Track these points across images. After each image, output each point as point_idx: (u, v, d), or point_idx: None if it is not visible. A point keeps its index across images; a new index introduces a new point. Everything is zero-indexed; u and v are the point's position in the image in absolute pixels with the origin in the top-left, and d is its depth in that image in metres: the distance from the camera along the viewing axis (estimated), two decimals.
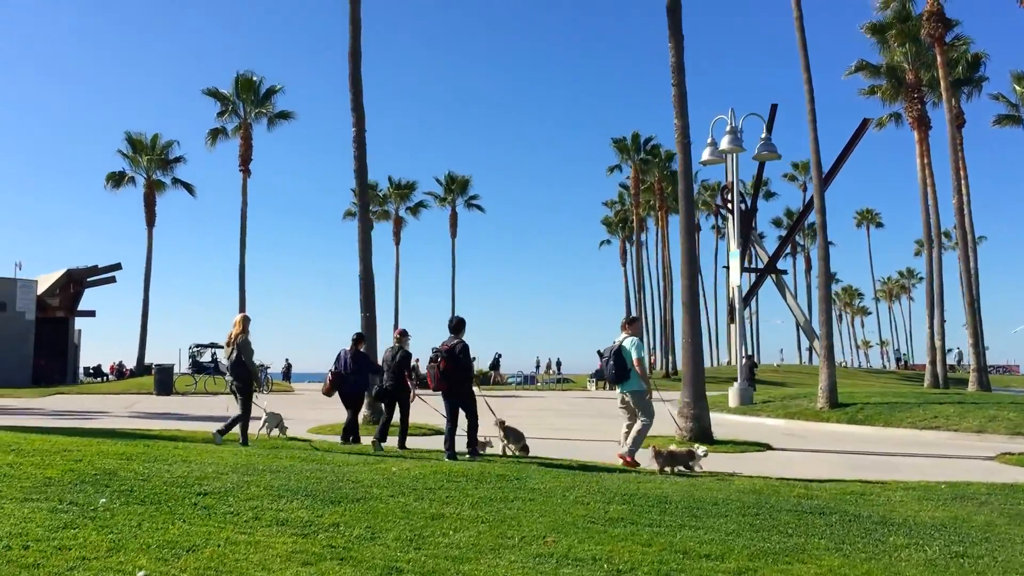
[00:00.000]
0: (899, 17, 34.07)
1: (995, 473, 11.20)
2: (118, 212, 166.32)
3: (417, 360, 27.99)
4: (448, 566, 4.93)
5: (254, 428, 11.91)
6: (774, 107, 26.15)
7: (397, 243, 62.41)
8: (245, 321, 11.48)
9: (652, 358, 60.95)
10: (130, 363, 48.82)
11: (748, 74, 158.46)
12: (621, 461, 10.89)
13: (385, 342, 16.08)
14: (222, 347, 13.14)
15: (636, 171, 58.22)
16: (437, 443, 12.49)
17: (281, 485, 7.24)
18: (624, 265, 65.48)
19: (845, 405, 19.61)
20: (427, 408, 13.13)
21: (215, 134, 45.03)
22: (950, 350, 68.40)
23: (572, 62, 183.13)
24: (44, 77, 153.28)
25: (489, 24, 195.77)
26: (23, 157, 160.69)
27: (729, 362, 56.33)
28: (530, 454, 11.50)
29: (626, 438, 11.07)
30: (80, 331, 43.00)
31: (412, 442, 12.69)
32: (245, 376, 11.30)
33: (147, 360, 46.15)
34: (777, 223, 77.82)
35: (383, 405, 12.65)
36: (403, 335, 12.78)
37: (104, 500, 6.09)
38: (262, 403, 12.60)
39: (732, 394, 23.45)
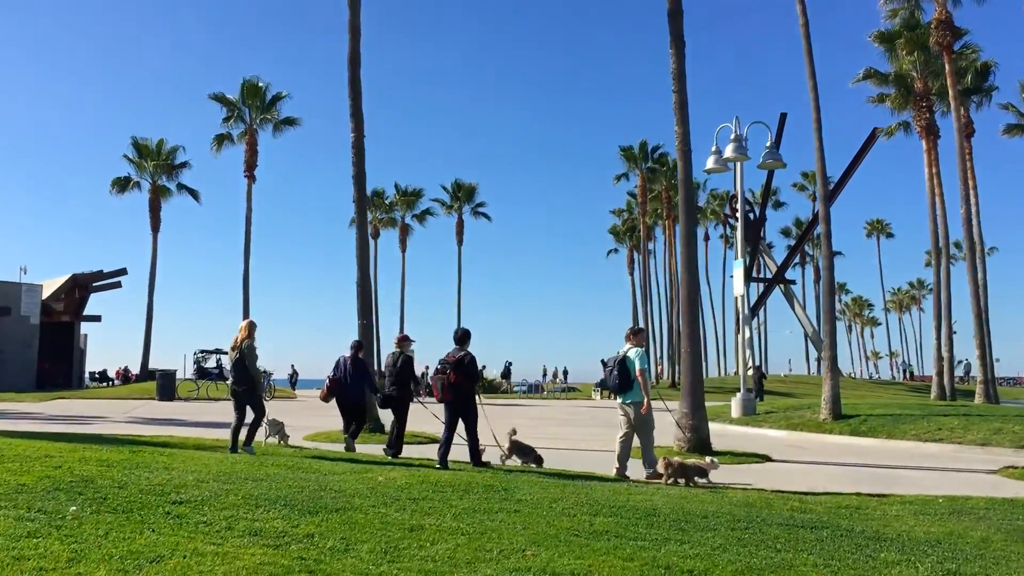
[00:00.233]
0: (907, 25, 33.83)
1: (996, 487, 10.99)
2: (124, 217, 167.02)
3: (427, 367, 27.86)
4: None
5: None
6: (783, 116, 25.96)
7: (403, 250, 62.52)
8: (251, 327, 11.52)
9: (659, 367, 60.74)
10: (136, 368, 48.84)
11: (757, 82, 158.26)
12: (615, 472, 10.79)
13: (385, 349, 16.00)
14: (227, 353, 13.19)
15: (643, 180, 58.13)
16: (433, 452, 12.38)
17: (261, 494, 7.10)
18: (631, 274, 65.40)
19: (848, 416, 19.37)
20: (426, 414, 13.01)
21: (221, 140, 45.10)
22: (960, 361, 67.87)
23: (581, 69, 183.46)
24: (51, 83, 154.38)
25: (499, 32, 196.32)
26: (30, 162, 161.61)
27: (736, 372, 56.10)
28: (501, 461, 11.42)
29: (620, 449, 10.97)
30: (86, 336, 43.15)
31: (407, 450, 12.58)
32: (248, 380, 11.27)
33: (151, 365, 46.11)
34: (786, 233, 77.50)
35: (392, 413, 12.51)
36: (404, 340, 12.80)
37: (75, 508, 5.97)
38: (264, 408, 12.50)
39: (735, 404, 23.21)
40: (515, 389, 48.00)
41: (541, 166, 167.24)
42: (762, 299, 36.46)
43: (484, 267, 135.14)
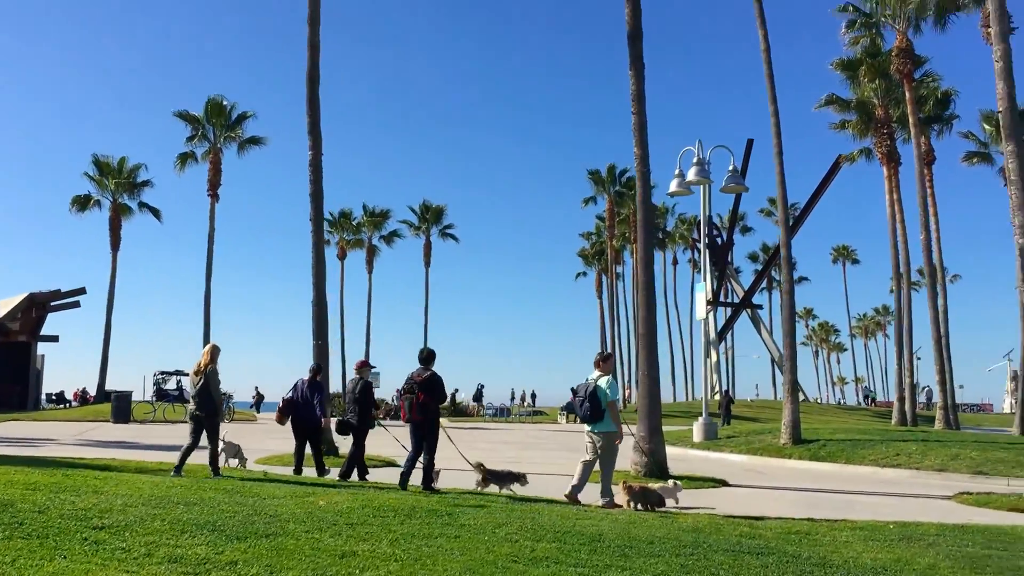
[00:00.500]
0: (869, 53, 34.26)
1: (950, 513, 10.94)
2: (83, 236, 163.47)
3: (397, 391, 27.56)
4: None
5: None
6: (750, 142, 26.26)
7: (370, 272, 62.06)
8: (214, 351, 11.39)
9: (627, 391, 60.70)
10: (94, 389, 47.88)
11: (722, 106, 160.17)
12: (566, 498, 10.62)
13: (341, 371, 15.75)
14: (187, 375, 12.94)
15: (611, 203, 58.40)
16: (388, 475, 12.16)
17: (190, 519, 6.82)
18: (600, 297, 65.38)
19: (809, 441, 19.34)
20: (387, 437, 12.80)
21: (184, 158, 44.58)
22: (924, 388, 68.46)
23: (551, 92, 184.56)
24: (10, 97, 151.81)
25: (470, 55, 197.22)
26: None
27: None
28: (477, 488, 11.18)
29: (581, 471, 10.84)
30: (43, 356, 42.15)
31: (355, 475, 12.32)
32: (212, 406, 11.16)
33: (108, 387, 45.18)
34: (753, 258, 78.30)
35: (352, 438, 12.35)
36: (364, 366, 12.92)
37: None
38: (220, 433, 12.22)
39: (696, 428, 23.12)
40: (483, 412, 47.65)
41: (510, 188, 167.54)
42: (729, 323, 36.59)
43: (452, 289, 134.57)
